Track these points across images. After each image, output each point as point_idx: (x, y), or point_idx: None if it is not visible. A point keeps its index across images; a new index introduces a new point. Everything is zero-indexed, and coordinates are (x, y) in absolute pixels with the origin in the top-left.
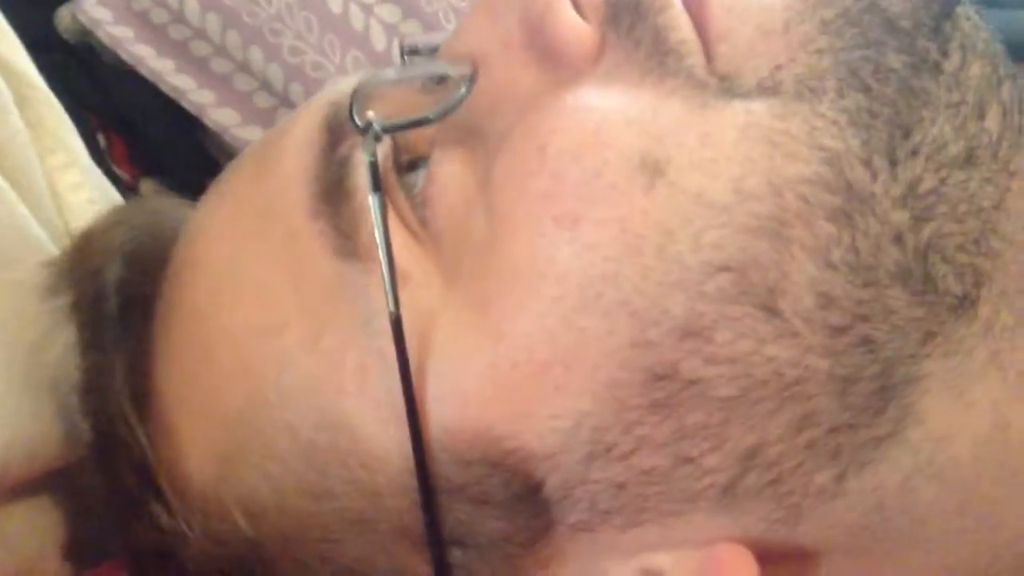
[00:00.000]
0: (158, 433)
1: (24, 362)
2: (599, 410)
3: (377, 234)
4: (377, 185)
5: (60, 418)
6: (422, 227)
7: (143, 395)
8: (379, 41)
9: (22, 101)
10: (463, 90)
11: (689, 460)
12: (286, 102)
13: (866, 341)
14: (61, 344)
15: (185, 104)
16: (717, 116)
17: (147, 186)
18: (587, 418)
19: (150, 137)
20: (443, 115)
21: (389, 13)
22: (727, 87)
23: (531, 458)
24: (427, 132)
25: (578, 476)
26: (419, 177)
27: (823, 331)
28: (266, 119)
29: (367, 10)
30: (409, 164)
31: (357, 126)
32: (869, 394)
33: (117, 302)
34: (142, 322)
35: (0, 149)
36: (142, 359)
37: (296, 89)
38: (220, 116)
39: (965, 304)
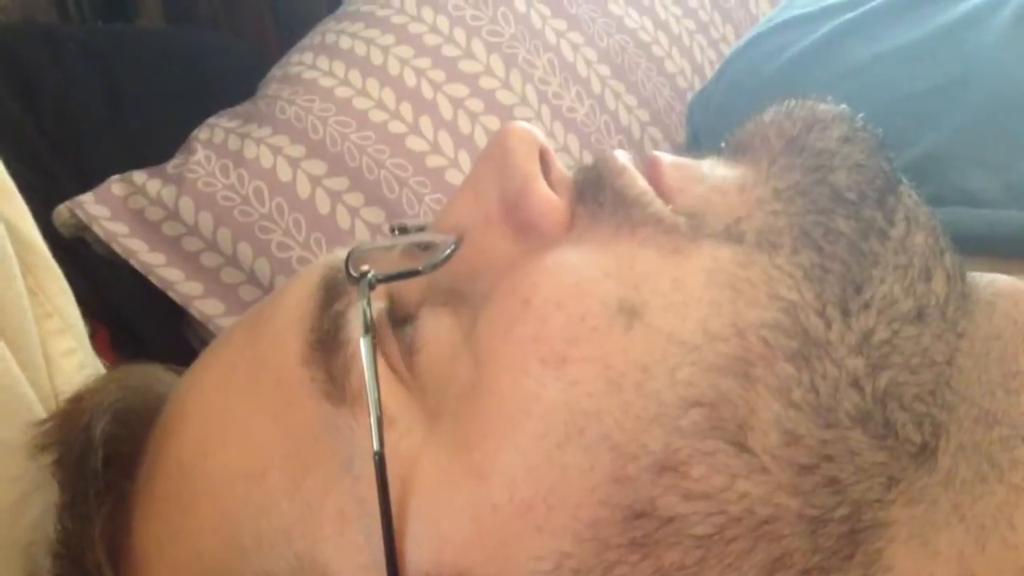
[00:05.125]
0: None
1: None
2: (580, 551)
3: (366, 373)
4: (368, 328)
5: None
6: (410, 373)
7: (120, 552)
8: (364, 239)
9: (25, 266)
10: (451, 248)
11: None
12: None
13: (833, 482)
14: (41, 505)
15: (172, 295)
16: (687, 261)
17: None
18: (568, 560)
19: (134, 327)
20: (433, 268)
21: (374, 215)
22: (696, 224)
23: None
24: (415, 295)
25: None
26: (409, 329)
27: (791, 468)
28: None
29: (353, 212)
30: (401, 319)
31: (352, 276)
32: (838, 537)
33: (102, 456)
34: (125, 480)
35: (4, 313)
36: (122, 516)
37: (281, 281)
38: (205, 306)
39: (925, 453)
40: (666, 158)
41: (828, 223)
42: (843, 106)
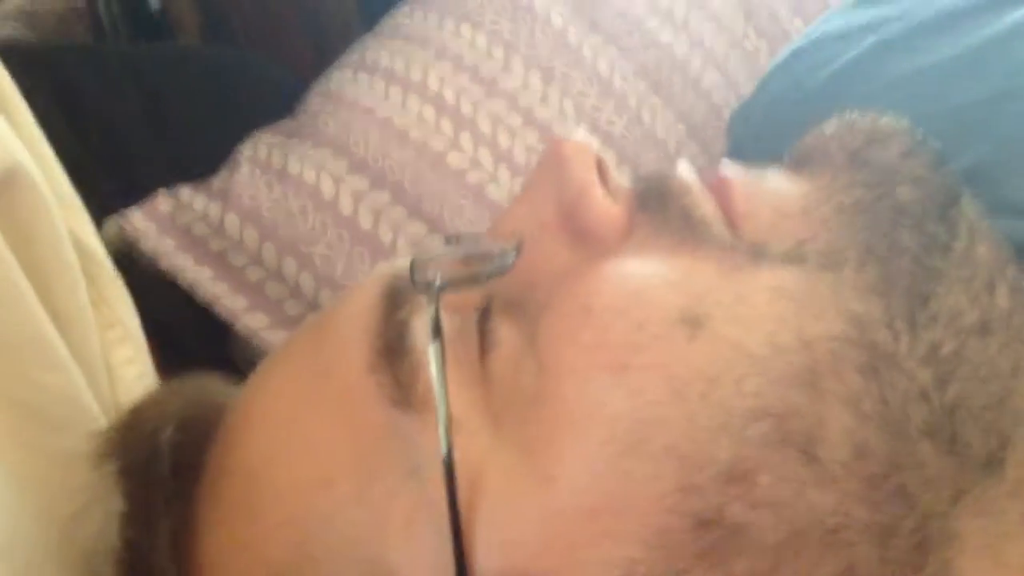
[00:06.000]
0: None
1: (60, 534)
2: (649, 558)
3: (435, 377)
4: (438, 332)
5: None
6: (481, 375)
7: (186, 560)
8: (405, 253)
9: (88, 277)
10: (512, 256)
11: None
12: (315, 308)
13: (901, 493)
14: (101, 515)
15: (218, 309)
16: (749, 278)
17: None
18: (637, 566)
19: (179, 341)
20: (495, 274)
21: (416, 230)
22: (757, 251)
23: None
24: (473, 303)
25: None
26: (477, 333)
27: (860, 479)
28: (294, 325)
29: (395, 227)
30: (465, 325)
31: (419, 283)
32: (908, 548)
33: (170, 464)
34: (191, 488)
35: (69, 322)
36: (188, 526)
37: (326, 295)
38: (251, 320)
39: (993, 464)
40: (735, 178)
41: (892, 237)
42: (903, 120)
